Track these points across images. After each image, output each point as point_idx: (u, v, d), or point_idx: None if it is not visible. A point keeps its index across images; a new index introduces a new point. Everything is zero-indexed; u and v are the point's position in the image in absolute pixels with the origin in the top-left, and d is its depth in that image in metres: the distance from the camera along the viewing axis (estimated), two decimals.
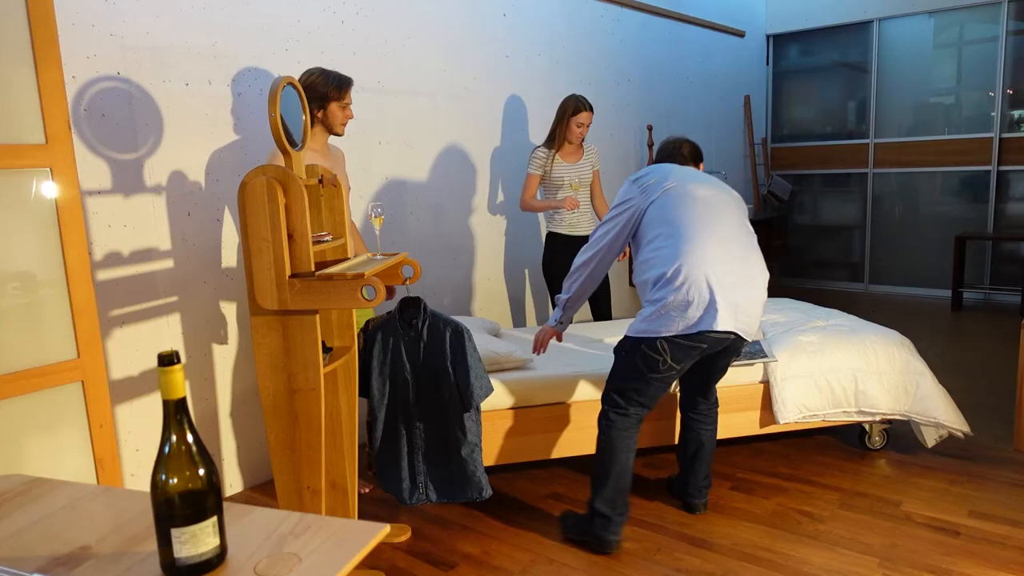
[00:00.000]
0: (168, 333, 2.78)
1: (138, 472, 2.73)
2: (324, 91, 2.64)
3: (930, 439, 3.01)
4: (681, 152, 2.63)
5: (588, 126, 3.70)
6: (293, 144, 2.08)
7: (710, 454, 2.65)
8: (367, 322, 2.54)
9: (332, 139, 3.07)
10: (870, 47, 6.41)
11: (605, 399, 2.46)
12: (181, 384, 0.97)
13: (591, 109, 3.66)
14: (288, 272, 2.00)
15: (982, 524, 2.53)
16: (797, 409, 2.89)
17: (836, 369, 2.92)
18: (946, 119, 6.16)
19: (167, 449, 0.96)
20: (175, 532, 0.94)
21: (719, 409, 2.72)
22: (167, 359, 0.95)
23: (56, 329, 1.91)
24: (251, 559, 0.99)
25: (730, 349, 2.42)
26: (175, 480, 0.95)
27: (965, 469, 2.95)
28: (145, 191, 2.68)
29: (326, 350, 2.33)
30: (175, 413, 0.96)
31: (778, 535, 2.51)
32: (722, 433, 2.93)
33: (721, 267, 2.26)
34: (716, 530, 2.56)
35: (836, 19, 6.50)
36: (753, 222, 5.92)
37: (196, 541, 0.95)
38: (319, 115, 2.68)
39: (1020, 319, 5.18)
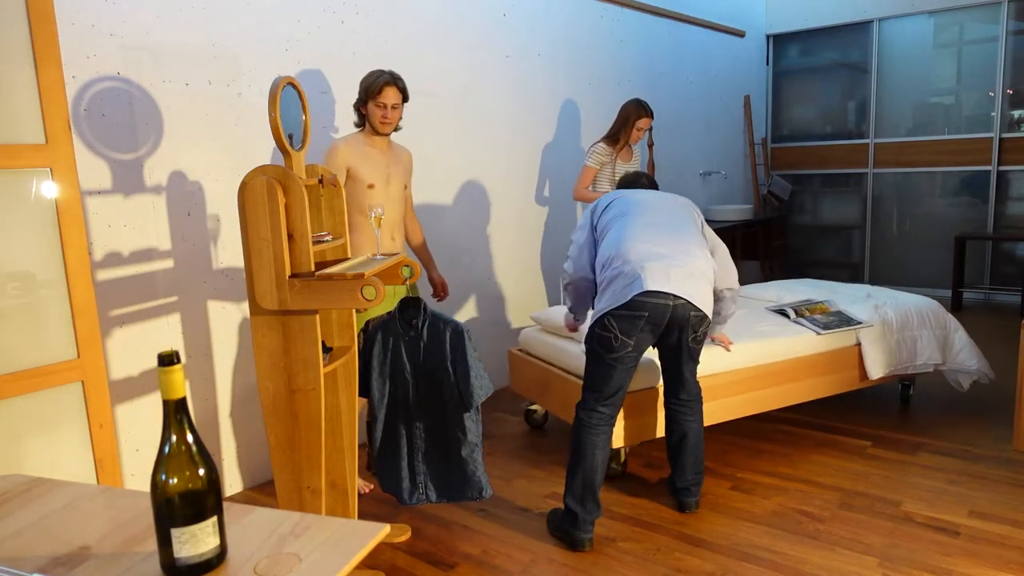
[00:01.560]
0: (168, 333, 2.78)
1: (138, 472, 2.73)
2: (361, 90, 2.76)
3: (965, 383, 3.61)
4: (639, 182, 2.93)
5: (645, 130, 4.00)
6: (293, 144, 2.08)
7: (696, 447, 2.66)
8: (367, 322, 2.54)
9: (397, 139, 3.24)
10: (870, 47, 6.41)
11: (579, 401, 2.56)
12: (181, 384, 0.97)
13: (652, 115, 3.96)
14: (288, 272, 2.00)
15: (982, 524, 2.53)
16: (884, 366, 3.39)
17: (905, 329, 3.47)
18: (946, 119, 6.16)
19: (167, 449, 0.96)
20: (175, 532, 0.94)
21: (703, 402, 2.77)
22: (167, 359, 0.95)
23: (56, 329, 1.91)
24: (251, 559, 0.99)
25: (679, 319, 2.45)
26: (175, 480, 0.95)
27: (965, 469, 2.96)
28: (145, 191, 2.68)
29: (326, 350, 2.33)
30: (175, 413, 0.96)
31: (778, 535, 2.51)
32: (825, 391, 3.35)
33: (650, 243, 2.48)
34: (716, 530, 2.56)
35: (836, 19, 6.50)
36: (753, 222, 5.94)
37: (196, 541, 0.95)
38: (364, 113, 2.78)
39: (1020, 319, 5.18)
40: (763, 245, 6.18)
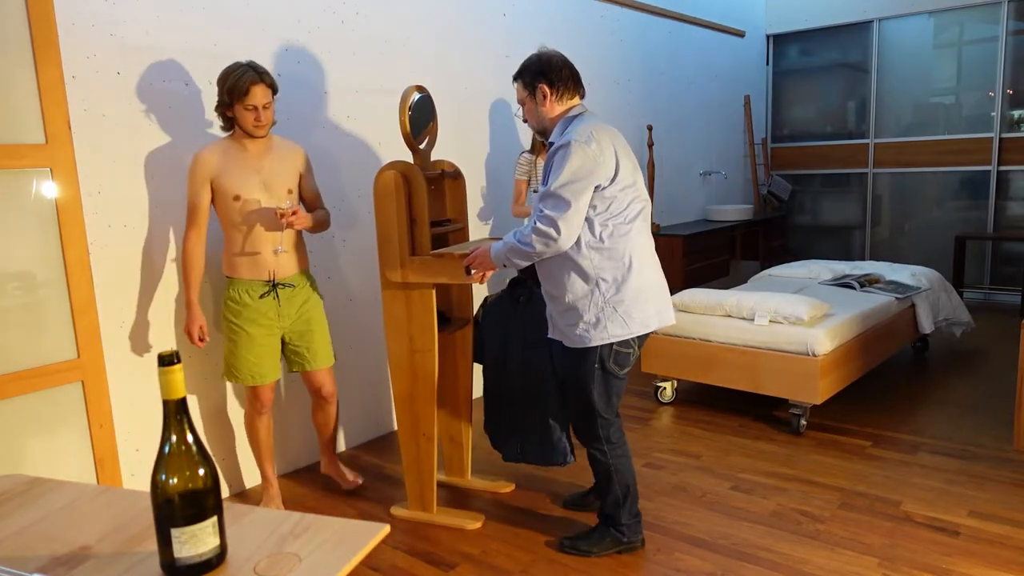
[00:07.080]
0: (168, 333, 2.78)
1: (138, 472, 2.73)
2: (223, 91, 2.46)
3: (958, 332, 4.50)
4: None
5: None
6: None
7: None
8: (485, 297, 2.85)
9: (282, 135, 2.77)
10: (870, 47, 6.40)
11: (600, 430, 2.36)
12: (181, 384, 0.97)
13: None
14: (409, 251, 2.44)
15: (982, 524, 2.53)
16: (931, 323, 4.20)
17: (933, 291, 4.31)
18: (946, 119, 6.16)
19: (167, 449, 0.96)
20: (175, 532, 0.94)
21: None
22: (167, 359, 0.95)
23: (56, 329, 1.91)
24: (251, 559, 0.99)
25: None
26: (175, 480, 0.95)
27: (965, 469, 2.95)
28: (145, 191, 2.68)
29: (448, 320, 2.77)
30: (175, 413, 0.96)
31: (778, 535, 2.51)
32: (899, 346, 4.07)
33: (654, 256, 2.37)
34: (716, 530, 2.56)
35: (836, 19, 6.49)
36: (753, 222, 5.94)
37: (196, 541, 0.95)
38: (231, 116, 2.50)
39: (1020, 319, 5.18)
40: (763, 245, 6.18)
